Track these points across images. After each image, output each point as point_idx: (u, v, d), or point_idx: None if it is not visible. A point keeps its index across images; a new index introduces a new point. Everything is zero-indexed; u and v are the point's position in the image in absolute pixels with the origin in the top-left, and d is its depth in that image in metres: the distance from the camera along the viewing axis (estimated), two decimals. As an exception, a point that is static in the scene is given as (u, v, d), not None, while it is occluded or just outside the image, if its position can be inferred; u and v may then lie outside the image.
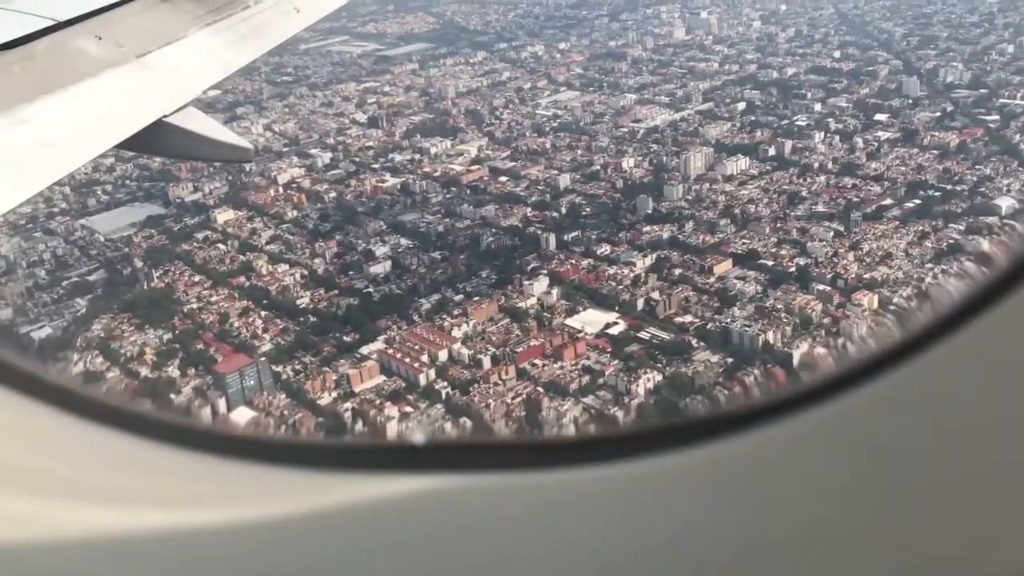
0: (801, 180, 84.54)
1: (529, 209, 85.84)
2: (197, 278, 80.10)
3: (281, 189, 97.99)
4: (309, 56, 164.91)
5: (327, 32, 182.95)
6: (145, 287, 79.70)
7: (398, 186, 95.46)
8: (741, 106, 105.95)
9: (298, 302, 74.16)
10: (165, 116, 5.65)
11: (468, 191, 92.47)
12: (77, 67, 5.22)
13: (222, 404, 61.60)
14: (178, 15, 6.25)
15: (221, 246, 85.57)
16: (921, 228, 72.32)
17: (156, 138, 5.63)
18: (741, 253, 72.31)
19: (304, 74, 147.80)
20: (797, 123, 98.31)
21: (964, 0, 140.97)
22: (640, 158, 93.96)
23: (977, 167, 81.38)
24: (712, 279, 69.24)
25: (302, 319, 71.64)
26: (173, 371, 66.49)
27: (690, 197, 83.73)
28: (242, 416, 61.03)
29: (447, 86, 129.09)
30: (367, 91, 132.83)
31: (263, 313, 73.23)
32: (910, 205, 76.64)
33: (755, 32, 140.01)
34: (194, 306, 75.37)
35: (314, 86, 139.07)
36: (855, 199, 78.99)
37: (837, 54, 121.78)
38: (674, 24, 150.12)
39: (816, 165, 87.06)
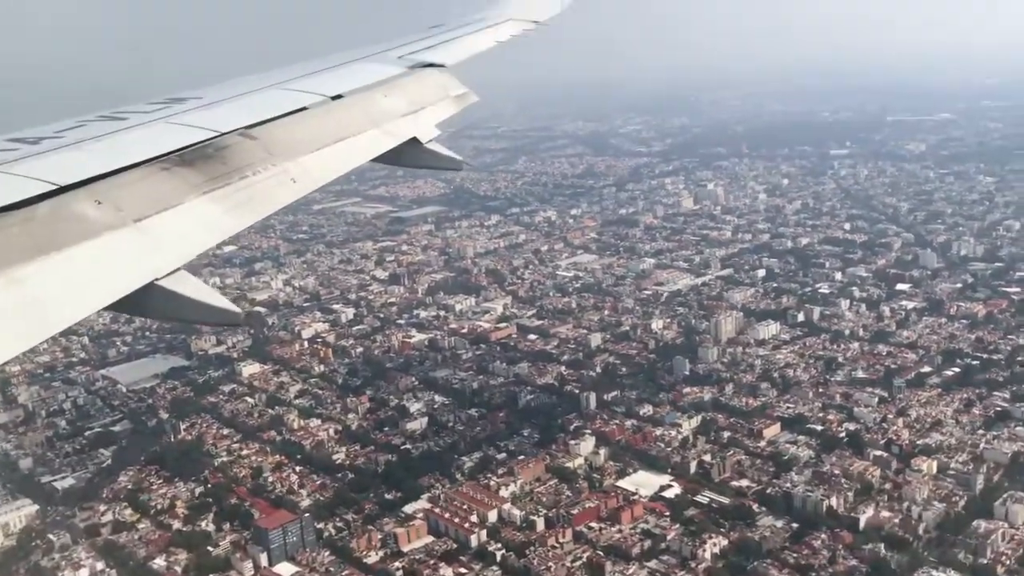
0: (835, 346, 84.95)
1: (563, 367, 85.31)
2: (226, 431, 77.92)
3: (306, 344, 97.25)
4: (323, 215, 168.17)
5: (339, 194, 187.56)
6: (172, 439, 77.36)
7: (426, 342, 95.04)
8: (761, 273, 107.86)
9: (334, 458, 71.97)
10: (157, 279, 5.69)
11: (498, 348, 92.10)
12: (75, 230, 5.54)
13: (263, 559, 58.58)
14: (176, 182, 6.57)
15: (249, 399, 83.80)
16: (965, 395, 72.14)
17: (147, 300, 5.66)
18: (788, 417, 71.52)
19: (319, 232, 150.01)
20: (820, 290, 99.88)
21: (961, 179, 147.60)
22: (668, 320, 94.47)
23: (1009, 337, 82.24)
24: (763, 443, 68.06)
25: (340, 475, 69.30)
26: (207, 525, 63.57)
27: (725, 360, 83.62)
28: (285, 572, 57.97)
29: (465, 246, 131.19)
30: (384, 249, 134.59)
31: (298, 468, 70.87)
32: (949, 373, 76.80)
33: (762, 204, 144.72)
34: (225, 459, 73.00)
35: (331, 244, 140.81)
36: (892, 366, 79.05)
37: (847, 226, 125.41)
38: (681, 195, 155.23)
39: (847, 332, 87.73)
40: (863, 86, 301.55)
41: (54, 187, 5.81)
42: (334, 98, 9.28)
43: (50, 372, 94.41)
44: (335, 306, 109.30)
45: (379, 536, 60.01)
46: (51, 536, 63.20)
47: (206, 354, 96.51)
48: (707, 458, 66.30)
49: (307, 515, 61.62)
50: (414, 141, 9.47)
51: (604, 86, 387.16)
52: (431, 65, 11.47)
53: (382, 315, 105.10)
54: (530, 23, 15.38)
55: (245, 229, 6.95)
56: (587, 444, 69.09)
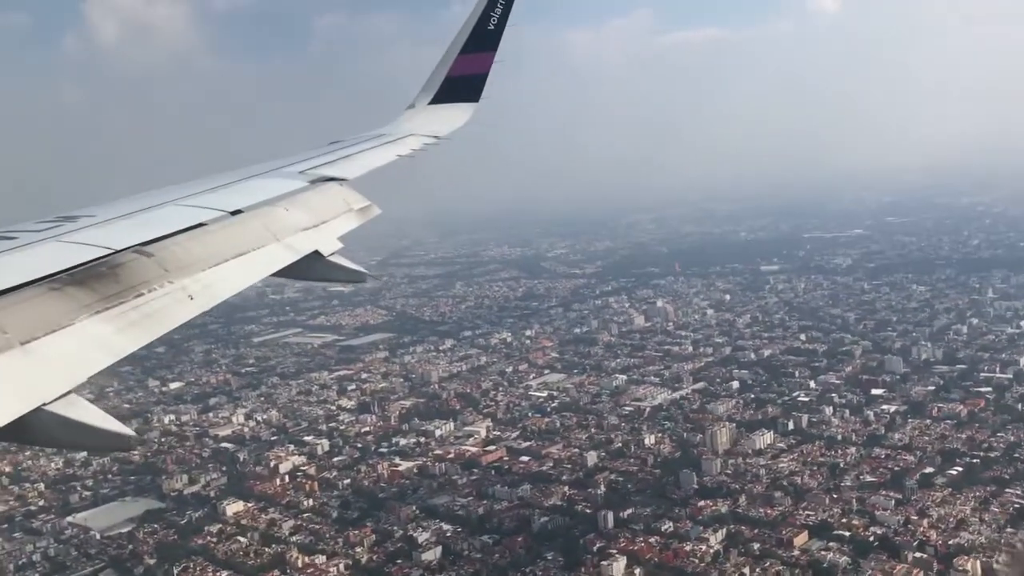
0: (832, 452, 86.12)
1: (566, 488, 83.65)
2: (224, 573, 72.95)
3: (287, 478, 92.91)
4: (267, 347, 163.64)
5: (277, 325, 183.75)
6: (166, 586, 71.87)
7: (415, 470, 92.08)
8: (735, 384, 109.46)
9: (353, 595, 67.96)
10: (46, 404, 5.46)
11: (492, 472, 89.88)
12: None
13: None
14: (67, 303, 6.40)
15: (241, 539, 78.96)
16: (977, 494, 73.60)
17: (36, 426, 5.41)
18: (812, 525, 71.40)
19: (268, 365, 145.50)
20: (799, 399, 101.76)
21: (896, 289, 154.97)
22: (659, 435, 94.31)
23: (999, 434, 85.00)
24: (796, 552, 67.53)
25: (363, 614, 65.31)
26: None
27: (729, 471, 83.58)
28: None
29: (428, 371, 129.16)
30: (343, 379, 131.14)
31: (316, 609, 66.59)
32: (953, 472, 78.53)
33: (712, 319, 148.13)
34: (230, 605, 68.04)
35: (284, 376, 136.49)
36: (896, 468, 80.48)
37: (803, 336, 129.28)
38: (629, 312, 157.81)
39: (840, 437, 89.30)
40: (765, 208, 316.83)
41: None
42: (233, 213, 9.20)
43: (7, 523, 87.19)
44: (307, 438, 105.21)
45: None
46: None
47: (180, 494, 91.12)
48: (745, 571, 65.23)
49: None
50: (316, 254, 9.42)
51: (510, 210, 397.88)
52: (332, 179, 11.53)
53: (359, 445, 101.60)
54: (431, 138, 15.75)
55: (140, 349, 6.67)
56: (619, 564, 67.24)
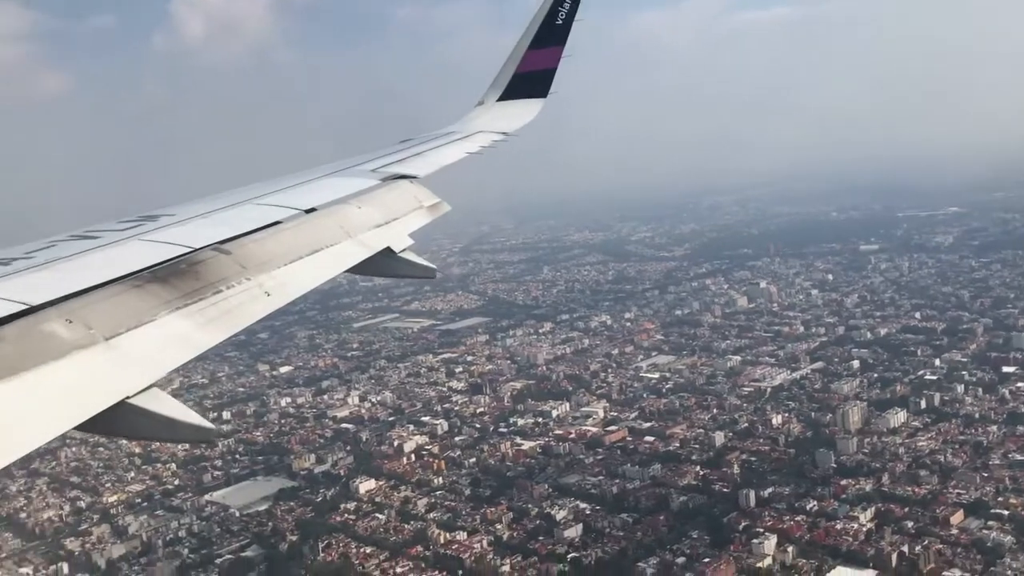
0: (972, 430, 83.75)
1: (698, 468, 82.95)
2: (368, 549, 74.06)
3: (412, 457, 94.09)
4: (368, 332, 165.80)
5: (374, 311, 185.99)
6: (314, 560, 73.26)
7: (538, 449, 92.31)
8: (856, 364, 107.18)
9: (501, 570, 68.40)
10: (129, 397, 5.63)
11: (618, 452, 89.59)
12: (45, 349, 5.56)
13: None
14: (148, 299, 6.62)
15: (379, 516, 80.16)
16: None
17: (119, 419, 5.59)
18: (967, 503, 69.55)
19: (372, 349, 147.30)
20: (926, 377, 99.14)
21: (1008, 266, 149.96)
22: (785, 415, 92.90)
23: None
24: (954, 530, 65.91)
25: (515, 589, 65.68)
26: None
27: (867, 451, 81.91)
28: None
29: (534, 353, 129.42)
30: (448, 361, 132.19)
31: (465, 584, 67.25)
32: (1108, 449, 75.72)
33: (818, 299, 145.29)
34: (381, 579, 69.12)
35: (390, 359, 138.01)
36: (1044, 445, 78.01)
37: (918, 315, 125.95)
38: (729, 294, 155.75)
39: (977, 415, 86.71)
40: (852, 188, 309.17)
41: (25, 307, 5.79)
42: (308, 211, 9.35)
43: (148, 501, 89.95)
44: (424, 418, 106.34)
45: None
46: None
47: (310, 473, 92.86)
48: (904, 549, 63.88)
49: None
50: (388, 251, 9.52)
51: (586, 197, 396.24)
52: (404, 177, 11.62)
53: (478, 425, 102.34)
54: (500, 135, 15.76)
55: (218, 344, 6.71)
56: (769, 542, 66.41)
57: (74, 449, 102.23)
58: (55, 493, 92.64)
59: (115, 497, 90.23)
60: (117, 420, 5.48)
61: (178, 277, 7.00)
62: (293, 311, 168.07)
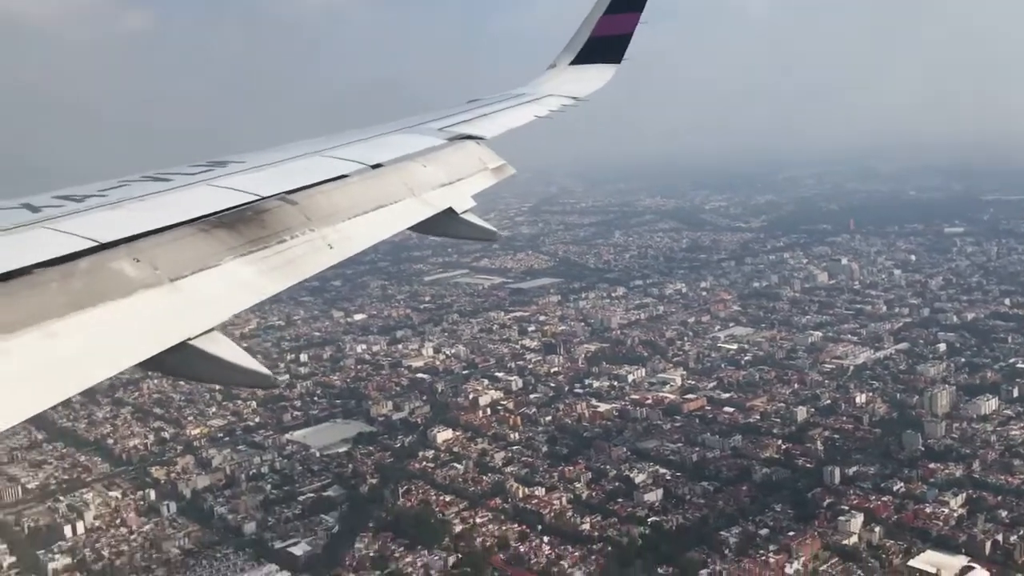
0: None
1: (779, 441, 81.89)
2: (447, 498, 74.84)
3: (488, 411, 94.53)
4: (439, 286, 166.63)
5: (444, 265, 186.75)
6: (393, 505, 74.28)
7: (615, 412, 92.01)
8: (942, 347, 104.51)
9: (581, 528, 68.57)
10: (190, 339, 5.55)
11: (696, 421, 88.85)
12: (112, 286, 5.53)
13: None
14: (214, 244, 6.63)
15: (457, 466, 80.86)
16: None
17: (180, 360, 5.54)
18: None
19: (444, 302, 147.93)
20: (1017, 366, 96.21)
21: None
22: (869, 394, 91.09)
23: None
24: (1051, 522, 64.11)
25: (595, 547, 65.75)
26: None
27: (955, 436, 79.96)
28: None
29: (608, 317, 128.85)
30: (520, 319, 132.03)
31: (545, 538, 67.51)
32: None
33: (901, 279, 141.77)
34: (460, 528, 69.77)
35: (462, 313, 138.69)
36: None
37: (1007, 301, 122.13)
38: (808, 269, 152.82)
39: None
40: (931, 168, 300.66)
41: (95, 244, 5.86)
42: (374, 167, 9.33)
43: (229, 436, 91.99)
44: (498, 374, 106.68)
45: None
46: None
47: (388, 419, 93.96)
48: (998, 538, 62.41)
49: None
50: (450, 211, 9.49)
51: (657, 163, 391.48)
52: (470, 137, 11.51)
53: (552, 384, 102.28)
54: (570, 99, 15.55)
55: (280, 292, 6.75)
56: (856, 521, 65.37)
57: (156, 382, 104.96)
58: (139, 423, 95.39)
59: (197, 430, 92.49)
60: (178, 361, 5.57)
61: (244, 224, 7.06)
62: (364, 261, 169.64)
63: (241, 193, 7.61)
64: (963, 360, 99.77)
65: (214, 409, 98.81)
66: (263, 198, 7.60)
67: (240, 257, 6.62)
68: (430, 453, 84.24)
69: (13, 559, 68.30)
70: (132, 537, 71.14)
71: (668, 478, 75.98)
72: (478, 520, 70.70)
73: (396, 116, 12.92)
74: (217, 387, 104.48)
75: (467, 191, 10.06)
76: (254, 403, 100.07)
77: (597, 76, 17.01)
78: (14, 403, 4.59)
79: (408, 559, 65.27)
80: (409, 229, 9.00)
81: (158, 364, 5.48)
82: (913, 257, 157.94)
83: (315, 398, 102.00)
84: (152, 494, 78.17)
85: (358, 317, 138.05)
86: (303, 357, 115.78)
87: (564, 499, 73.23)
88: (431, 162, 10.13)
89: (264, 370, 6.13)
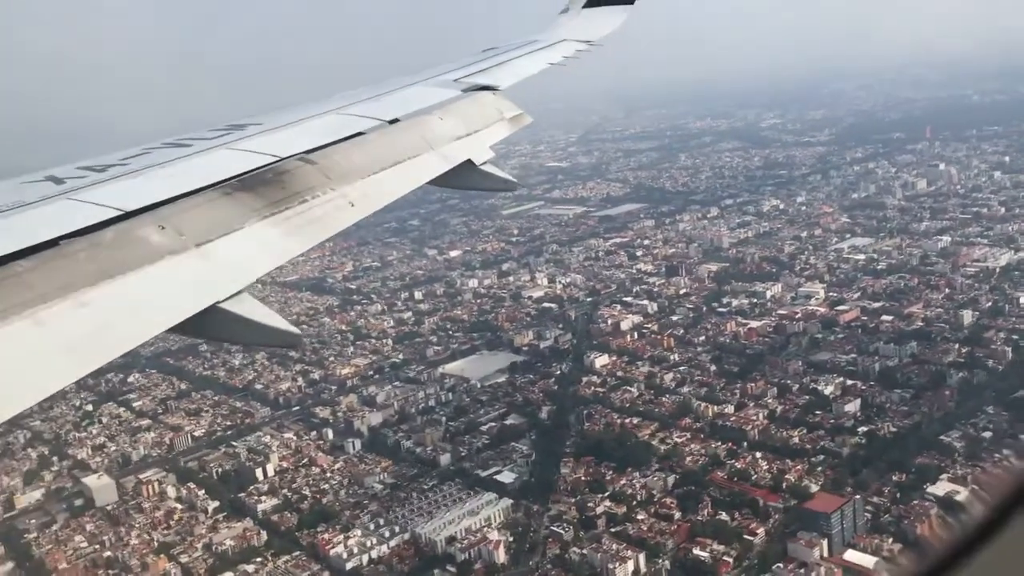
0: None
1: (956, 345, 79.74)
2: (635, 420, 73.24)
3: (636, 335, 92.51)
4: (521, 219, 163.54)
5: (516, 198, 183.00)
6: (582, 430, 72.77)
7: (769, 328, 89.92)
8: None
9: (791, 443, 66.93)
10: (219, 302, 5.65)
11: (859, 331, 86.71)
12: (139, 254, 5.68)
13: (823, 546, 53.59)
14: (237, 207, 6.62)
15: (630, 389, 79.14)
16: None
17: (210, 323, 5.63)
18: None
19: (534, 234, 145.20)
20: None
21: None
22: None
23: None
24: None
25: (816, 459, 64.16)
26: (709, 515, 58.77)
27: None
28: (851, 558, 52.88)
29: (717, 237, 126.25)
30: (622, 245, 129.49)
31: (757, 454, 65.94)
32: None
33: (1005, 181, 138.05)
34: (662, 448, 68.26)
35: (561, 243, 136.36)
36: None
37: None
38: (900, 177, 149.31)
39: None
40: (984, 72, 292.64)
41: (120, 213, 5.95)
42: (391, 122, 9.33)
43: (377, 373, 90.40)
44: (626, 299, 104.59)
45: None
46: (554, 529, 58.87)
47: (534, 348, 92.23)
48: None
49: (857, 497, 56.49)
50: (468, 163, 9.44)
51: (690, 86, 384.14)
52: (485, 87, 11.42)
53: (689, 305, 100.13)
54: (584, 44, 15.30)
55: (304, 252, 6.89)
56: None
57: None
58: (279, 367, 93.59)
59: (346, 370, 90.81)
60: (209, 324, 5.58)
61: (265, 186, 7.09)
62: (432, 199, 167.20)
63: (261, 155, 7.64)
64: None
65: (351, 349, 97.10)
66: (282, 159, 7.59)
67: (264, 219, 6.66)
68: (594, 378, 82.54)
69: (215, 504, 67.26)
70: (328, 476, 69.95)
71: (862, 388, 74.02)
72: (678, 440, 69.10)
73: (414, 65, 12.37)
74: (344, 329, 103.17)
75: (485, 142, 10.01)
76: (390, 341, 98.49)
77: (611, 19, 16.84)
78: (54, 371, 4.58)
79: (623, 481, 63.89)
80: (429, 183, 8.93)
81: (189, 328, 5.50)
82: (1007, 159, 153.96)
83: (449, 332, 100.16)
84: (330, 433, 76.81)
85: (453, 254, 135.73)
86: (417, 294, 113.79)
87: (761, 415, 71.49)
88: (448, 115, 10.08)
89: (293, 329, 6.10)
